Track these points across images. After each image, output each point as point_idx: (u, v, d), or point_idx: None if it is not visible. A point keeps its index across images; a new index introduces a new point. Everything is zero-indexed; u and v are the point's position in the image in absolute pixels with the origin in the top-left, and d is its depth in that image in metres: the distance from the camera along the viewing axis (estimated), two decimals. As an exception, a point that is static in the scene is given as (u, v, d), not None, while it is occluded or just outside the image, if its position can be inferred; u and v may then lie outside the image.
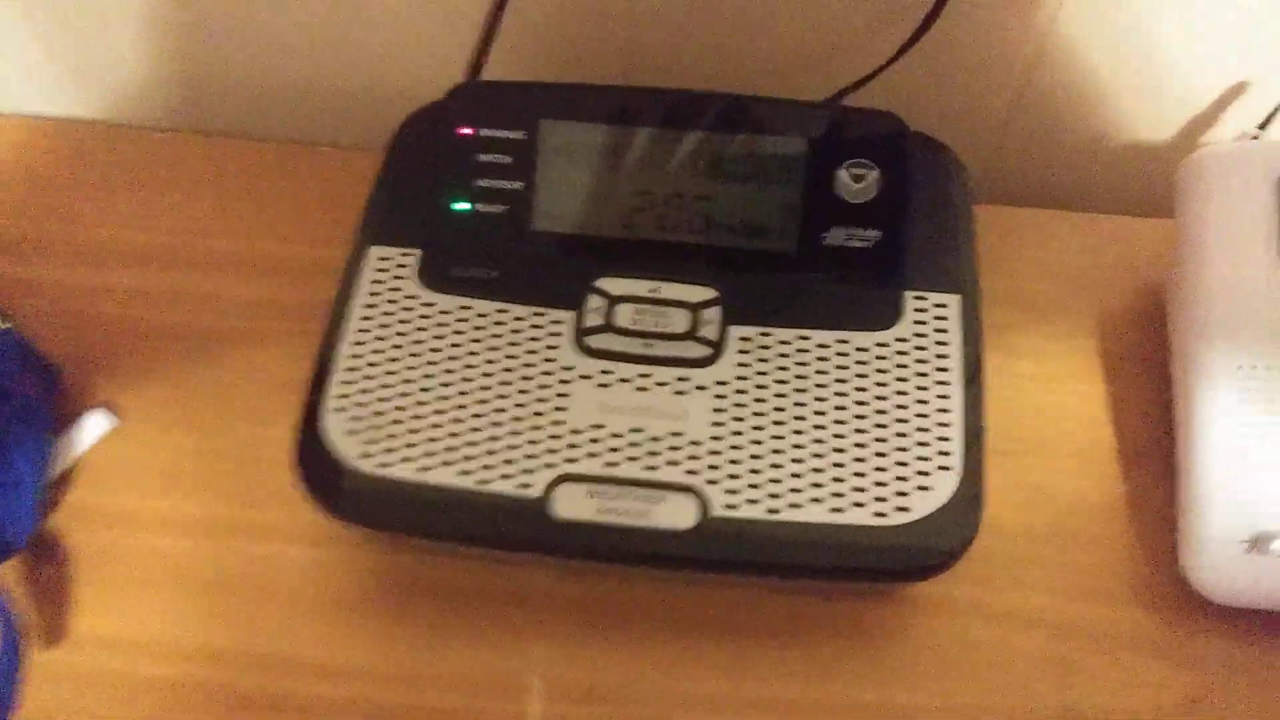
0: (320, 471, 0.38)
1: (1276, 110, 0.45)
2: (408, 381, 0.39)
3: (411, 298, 0.41)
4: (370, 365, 0.39)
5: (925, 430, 0.37)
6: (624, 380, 0.39)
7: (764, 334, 0.39)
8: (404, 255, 0.42)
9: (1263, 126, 0.46)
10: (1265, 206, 0.39)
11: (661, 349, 0.39)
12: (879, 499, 0.36)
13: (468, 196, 0.42)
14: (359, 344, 0.40)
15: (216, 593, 0.40)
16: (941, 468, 0.37)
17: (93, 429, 0.43)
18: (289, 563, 0.41)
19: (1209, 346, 0.39)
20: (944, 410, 0.38)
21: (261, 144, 0.53)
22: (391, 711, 0.38)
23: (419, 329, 0.40)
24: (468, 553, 0.40)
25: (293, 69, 0.54)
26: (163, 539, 0.41)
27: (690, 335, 0.39)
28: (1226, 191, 0.40)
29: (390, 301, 0.41)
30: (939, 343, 0.39)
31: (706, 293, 0.40)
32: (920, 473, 0.37)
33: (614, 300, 0.40)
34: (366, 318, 0.40)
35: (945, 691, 0.38)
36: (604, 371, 0.39)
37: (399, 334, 0.40)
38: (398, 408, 0.38)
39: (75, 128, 0.55)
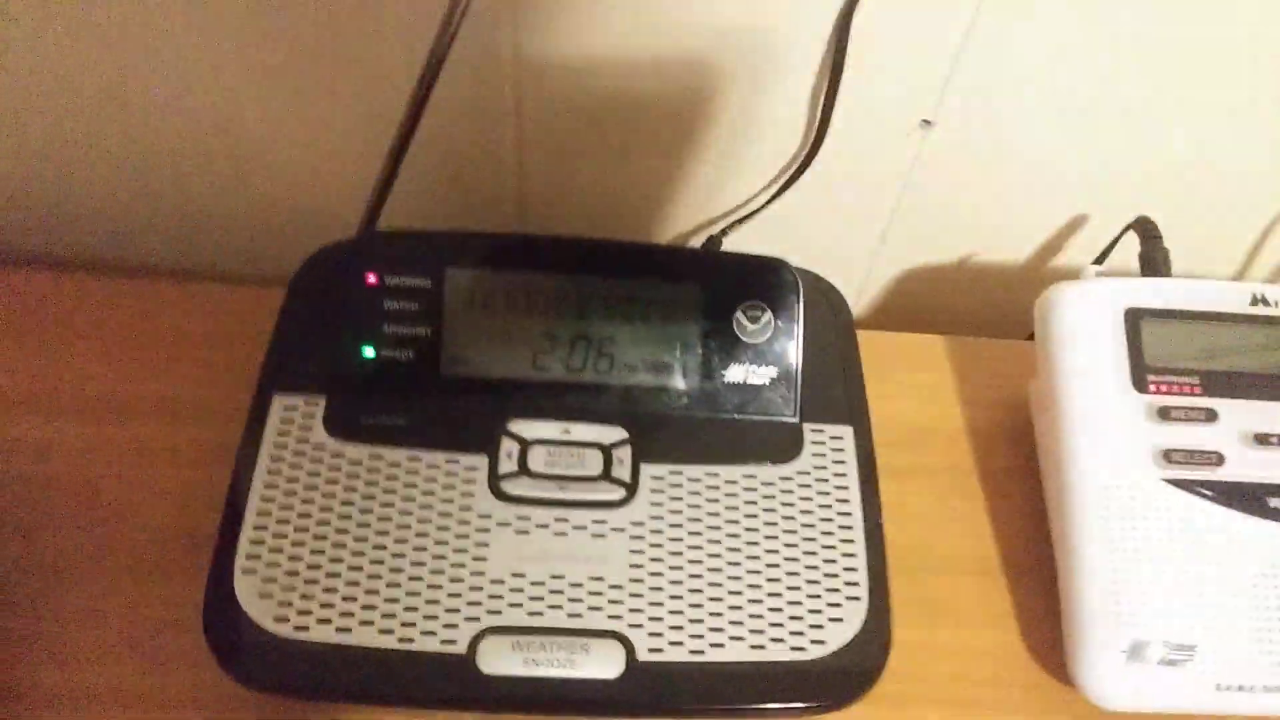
0: (232, 636, 0.36)
1: (1112, 245, 0.50)
2: (320, 537, 0.38)
3: (319, 447, 0.40)
4: (280, 522, 0.38)
5: (833, 562, 0.39)
6: (541, 526, 0.39)
7: (675, 472, 0.41)
8: (309, 403, 0.41)
9: (1099, 260, 0.51)
10: (1115, 337, 0.43)
11: (577, 492, 0.40)
12: (795, 633, 0.38)
13: (374, 343, 0.42)
14: (267, 500, 0.39)
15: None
16: (850, 598, 0.39)
17: (-35, 599, 0.40)
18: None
19: (1075, 470, 0.42)
20: (848, 541, 0.40)
21: (140, 283, 0.51)
22: None
23: (329, 480, 0.40)
24: (384, 712, 0.40)
25: (180, 204, 0.53)
26: (50, 715, 0.39)
27: (605, 476, 0.40)
28: (1079, 325, 0.44)
29: (298, 453, 0.40)
30: (838, 474, 0.42)
31: (617, 432, 0.41)
32: (831, 604, 0.38)
33: (527, 444, 0.41)
34: (274, 470, 0.40)
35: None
36: (520, 518, 0.39)
37: (308, 486, 0.39)
38: (310, 565, 0.38)
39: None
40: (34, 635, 0.40)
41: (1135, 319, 0.43)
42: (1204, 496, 0.41)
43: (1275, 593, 0.40)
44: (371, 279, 0.42)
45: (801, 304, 0.43)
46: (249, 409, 0.41)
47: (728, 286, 0.43)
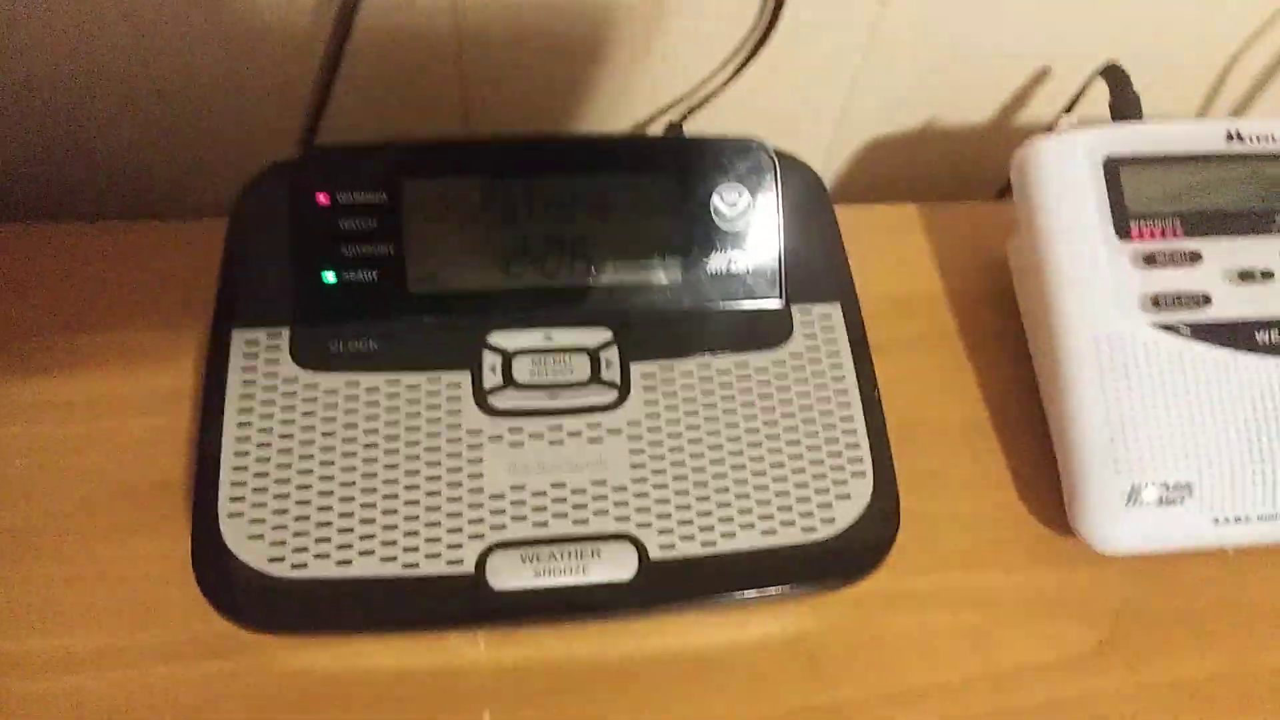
0: (227, 583, 0.35)
1: (1080, 93, 0.49)
2: (304, 473, 0.37)
3: (291, 380, 0.38)
4: (260, 461, 0.37)
5: (835, 441, 0.39)
6: (535, 436, 0.38)
7: (665, 367, 0.40)
8: (272, 336, 0.39)
9: (1069, 108, 0.50)
10: (1095, 187, 0.42)
11: (567, 398, 0.39)
12: (805, 514, 0.37)
13: (334, 266, 0.39)
14: (242, 439, 0.37)
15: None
16: (856, 474, 0.38)
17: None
18: (190, 680, 0.38)
19: (1063, 322, 0.42)
20: (847, 418, 0.39)
21: (79, 226, 0.48)
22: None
23: (305, 413, 0.38)
24: (390, 638, 0.39)
25: (108, 139, 0.49)
26: (49, 682, 0.37)
27: (594, 380, 0.39)
28: (1059, 178, 0.43)
29: (268, 388, 0.38)
30: (830, 353, 0.41)
31: (601, 333, 0.40)
32: (837, 482, 0.38)
33: (510, 355, 0.39)
34: (245, 409, 0.38)
35: (884, 680, 0.40)
36: (513, 430, 0.38)
37: (284, 421, 0.37)
38: (299, 502, 0.36)
39: None
40: (16, 608, 0.38)
41: (1114, 167, 0.42)
42: (1193, 338, 0.41)
43: (1267, 424, 0.40)
44: (323, 198, 0.39)
45: (779, 184, 0.41)
46: (208, 347, 0.39)
47: (701, 172, 0.41)
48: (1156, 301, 0.41)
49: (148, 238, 0.48)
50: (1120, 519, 0.40)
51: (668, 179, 0.40)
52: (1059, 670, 0.41)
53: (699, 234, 0.41)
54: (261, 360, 0.38)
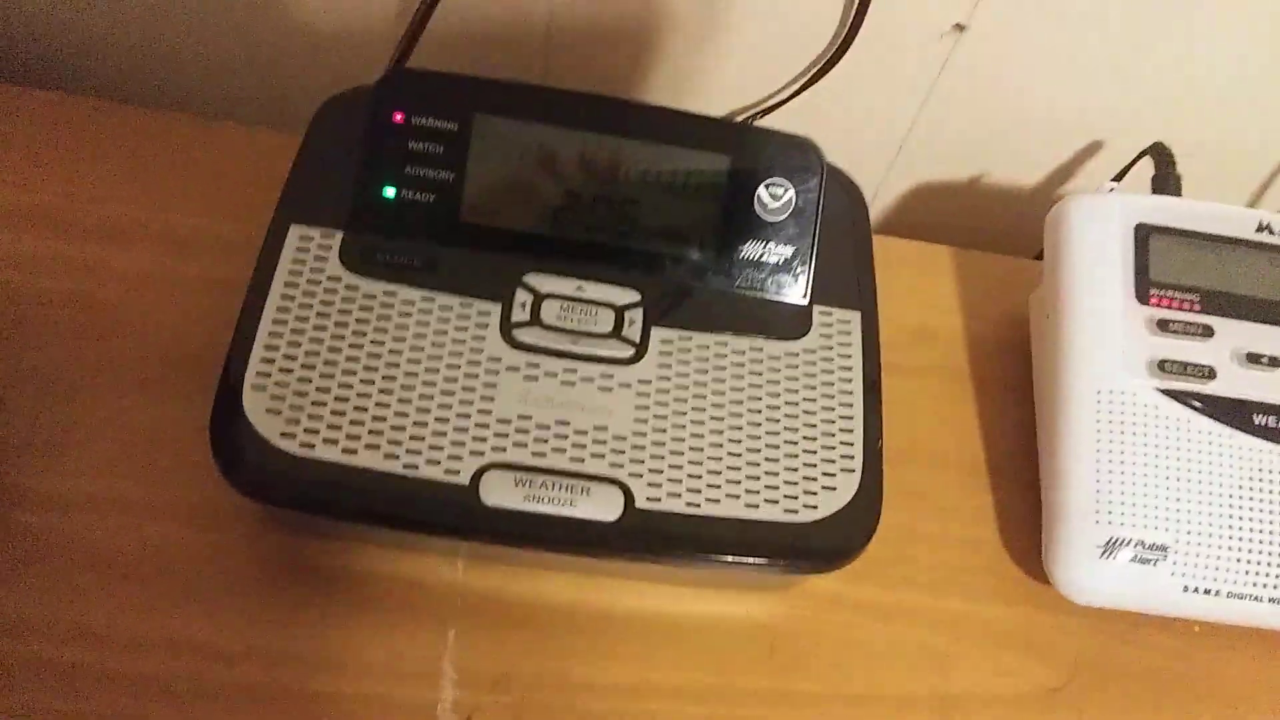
0: (239, 450, 0.36)
1: (1128, 167, 0.51)
2: (330, 363, 0.38)
3: (334, 279, 0.40)
4: (291, 344, 0.38)
5: (831, 435, 0.40)
6: (550, 374, 0.40)
7: (684, 337, 0.41)
8: (325, 236, 0.41)
9: (1118, 179, 0.52)
10: (1123, 250, 0.44)
11: (587, 346, 0.40)
12: (789, 497, 0.39)
13: (396, 182, 0.41)
14: (279, 322, 0.39)
15: (104, 572, 0.38)
16: (845, 470, 0.40)
17: (-35, 397, 0.40)
18: (183, 543, 0.39)
19: (1072, 372, 0.43)
20: (847, 418, 0.41)
21: (161, 113, 0.51)
22: (298, 695, 0.37)
23: (342, 310, 0.40)
24: (375, 539, 0.40)
25: (206, 39, 0.52)
26: (44, 516, 0.39)
27: (615, 335, 0.41)
28: (1090, 235, 0.44)
29: (312, 282, 0.40)
30: (843, 355, 0.42)
31: (630, 294, 0.42)
32: (827, 474, 0.39)
33: (541, 297, 0.41)
34: (288, 296, 0.39)
35: (837, 680, 0.41)
36: (530, 364, 0.40)
37: (321, 314, 0.39)
38: (319, 388, 0.38)
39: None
40: (28, 442, 0.40)
41: (1144, 234, 0.44)
42: (1193, 408, 0.42)
43: (1251, 504, 0.41)
44: (398, 117, 0.41)
45: (824, 187, 0.43)
46: (265, 236, 0.41)
47: (754, 160, 0.43)
48: (1163, 366, 0.42)
49: (227, 137, 0.50)
50: (1094, 570, 0.41)
51: (721, 160, 0.42)
52: (1009, 706, 0.42)
53: (739, 219, 0.42)
54: (311, 255, 0.40)
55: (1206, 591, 0.41)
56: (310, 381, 0.38)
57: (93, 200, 0.47)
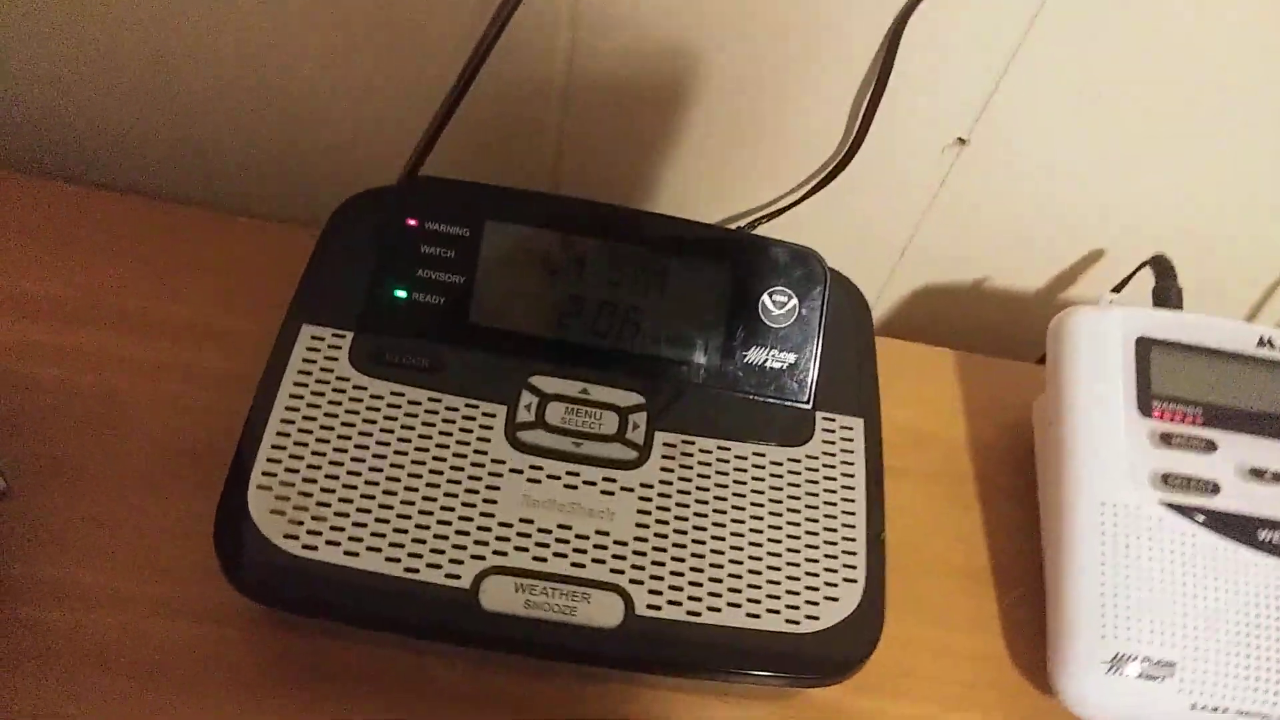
0: (240, 548, 0.37)
1: (1128, 278, 0.52)
2: (335, 463, 0.39)
3: (343, 379, 0.41)
4: (298, 444, 0.39)
5: (833, 544, 0.40)
6: (553, 477, 0.40)
7: (687, 441, 0.42)
8: (336, 336, 0.42)
9: (1118, 289, 0.52)
10: (1125, 363, 0.44)
11: (590, 449, 0.41)
12: (791, 607, 0.38)
13: (407, 285, 0.42)
14: (287, 421, 0.39)
15: (107, 669, 0.38)
16: (848, 580, 0.40)
17: (-24, 490, 0.41)
18: (185, 639, 0.39)
19: (1073, 484, 0.43)
20: (849, 526, 0.41)
21: (178, 208, 0.52)
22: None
23: (350, 411, 0.40)
24: (377, 639, 0.40)
25: (230, 137, 0.53)
26: (51, 611, 0.39)
27: (618, 438, 0.41)
28: (1092, 348, 0.45)
29: (321, 381, 0.41)
30: (845, 462, 0.42)
31: (634, 398, 0.42)
32: (829, 584, 0.39)
33: (546, 398, 0.42)
34: (296, 395, 0.40)
35: (838, 795, 0.40)
36: (534, 467, 0.40)
37: (329, 414, 0.40)
38: (324, 489, 0.38)
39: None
40: (37, 533, 0.41)
41: (1146, 347, 0.44)
42: (1197, 522, 0.42)
43: (1257, 620, 0.41)
44: (412, 221, 0.43)
45: (827, 295, 0.44)
46: (277, 335, 0.42)
47: (757, 269, 0.44)
48: (1167, 480, 0.42)
49: (243, 231, 0.52)
50: (1099, 685, 0.41)
51: (725, 269, 0.43)
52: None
53: (744, 326, 0.43)
54: (322, 355, 0.41)
55: (1214, 710, 0.40)
56: (315, 482, 0.38)
57: (107, 292, 0.48)
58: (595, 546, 0.38)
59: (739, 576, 0.39)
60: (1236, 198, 0.53)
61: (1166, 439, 0.43)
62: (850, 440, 0.43)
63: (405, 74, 0.49)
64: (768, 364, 0.43)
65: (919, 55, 0.46)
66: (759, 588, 0.39)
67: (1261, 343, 0.45)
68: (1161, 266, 0.49)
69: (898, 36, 0.46)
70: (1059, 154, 0.51)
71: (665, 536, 0.39)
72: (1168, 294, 0.48)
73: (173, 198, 0.53)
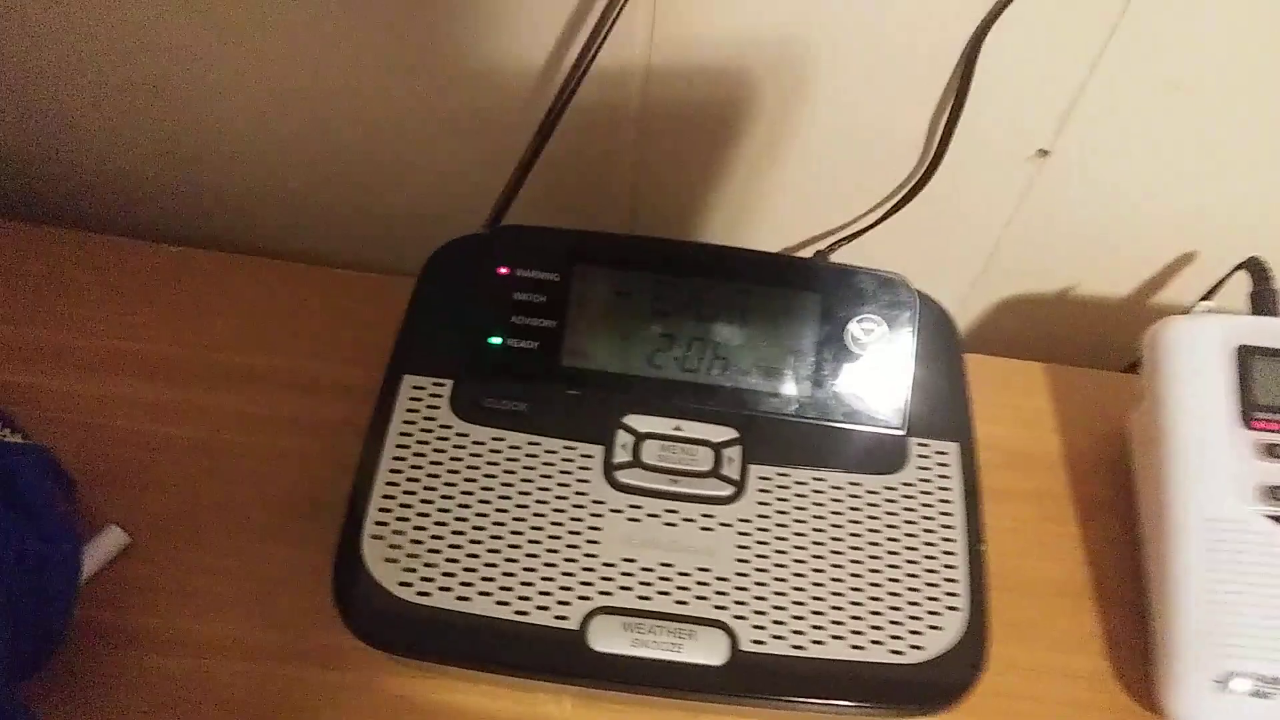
0: (360, 598, 0.38)
1: (1221, 283, 0.51)
2: (444, 510, 0.40)
3: (446, 427, 0.42)
4: (407, 494, 0.41)
5: (934, 572, 0.40)
6: (652, 515, 0.41)
7: (782, 474, 0.42)
8: (436, 384, 0.43)
9: (1207, 296, 0.51)
10: (1226, 373, 0.44)
11: (687, 486, 0.42)
12: (895, 637, 0.39)
13: (502, 332, 0.44)
14: (395, 471, 0.41)
15: (233, 713, 0.40)
16: (950, 608, 0.40)
17: (107, 545, 0.43)
18: (305, 684, 0.41)
19: (1177, 500, 0.43)
20: (950, 553, 0.41)
21: (275, 263, 0.54)
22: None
23: (454, 459, 0.42)
24: (491, 679, 0.41)
25: (315, 189, 0.55)
26: (174, 660, 0.41)
27: (714, 474, 0.42)
28: (1191, 359, 0.44)
29: (425, 430, 0.42)
30: (942, 488, 0.43)
31: (727, 432, 0.43)
32: (931, 612, 0.40)
33: (641, 437, 0.42)
34: (403, 445, 0.42)
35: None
36: (633, 506, 0.41)
37: (434, 463, 0.41)
38: (434, 536, 0.40)
39: (87, 238, 0.54)
40: (159, 585, 0.43)
41: (1247, 356, 0.44)
42: (1307, 537, 0.41)
43: (1373, 636, 0.40)
44: (503, 270, 0.44)
45: (916, 321, 0.44)
46: (381, 387, 0.43)
47: (844, 298, 0.44)
48: (1274, 493, 0.42)
49: (338, 283, 0.54)
50: (1208, 704, 0.40)
51: (812, 300, 0.44)
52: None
53: (832, 356, 0.44)
54: (424, 406, 0.43)
55: (1332, 728, 0.40)
56: (425, 530, 0.40)
57: (211, 348, 0.50)
58: (698, 583, 0.39)
59: (841, 608, 0.39)
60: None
61: (1271, 450, 0.42)
62: (946, 465, 0.43)
63: (484, 120, 0.51)
64: (858, 392, 0.44)
65: (999, 67, 0.46)
66: (861, 619, 0.39)
67: (1367, 347, 0.44)
68: (1257, 269, 0.48)
69: (977, 49, 0.45)
70: (1143, 160, 0.50)
71: (765, 570, 0.40)
72: (1265, 298, 0.47)
73: (263, 252, 0.55)
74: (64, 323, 0.50)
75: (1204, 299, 0.52)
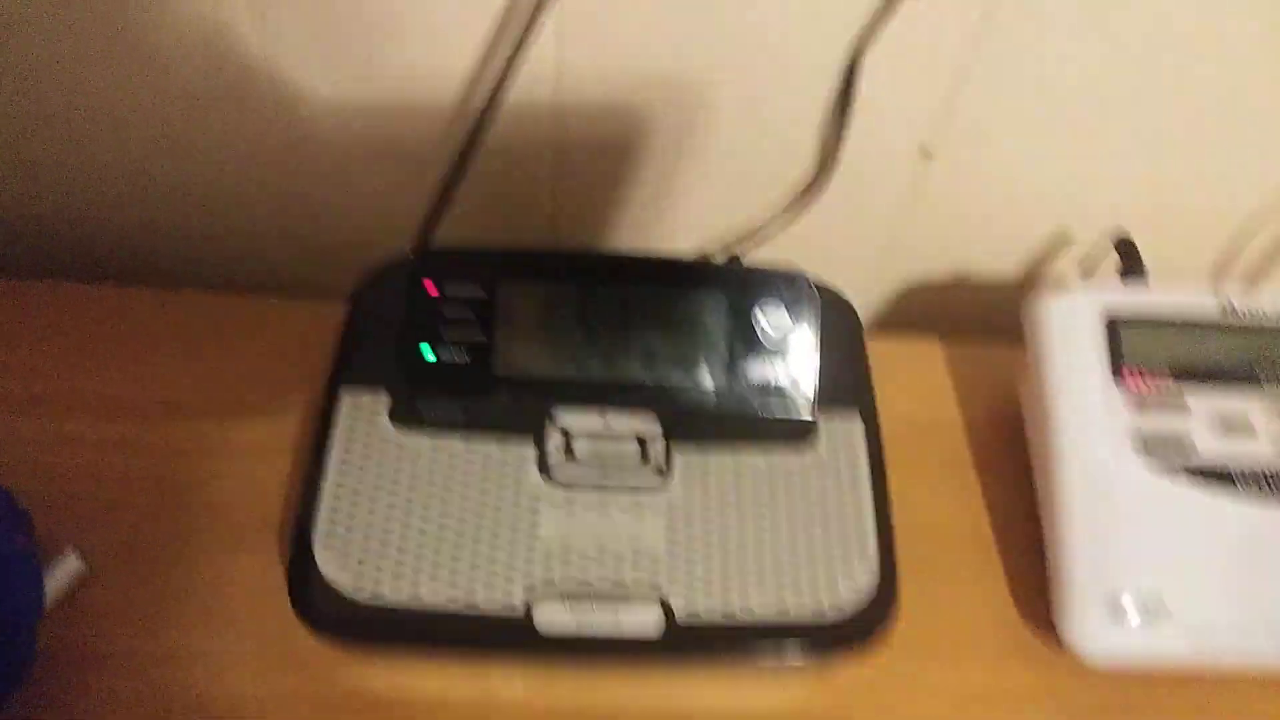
0: (316, 600, 0.41)
1: (1096, 258, 0.56)
2: (389, 515, 0.43)
3: (385, 437, 0.45)
4: (353, 503, 0.43)
5: (846, 535, 0.44)
6: (587, 505, 0.44)
7: (704, 458, 0.46)
8: (374, 399, 0.46)
9: (1088, 275, 0.56)
10: (1097, 340, 0.48)
11: (617, 476, 0.45)
12: (815, 595, 0.43)
13: (434, 348, 0.46)
14: (340, 484, 0.44)
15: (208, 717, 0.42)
16: (864, 564, 0.44)
17: (65, 573, 0.45)
18: (266, 688, 0.43)
19: (1061, 454, 0.47)
20: (860, 518, 0.45)
21: (215, 296, 0.56)
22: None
23: (395, 467, 0.44)
24: (446, 667, 0.44)
25: (243, 220, 0.58)
26: (145, 679, 0.43)
27: (642, 462, 0.45)
28: (1066, 329, 0.49)
29: (366, 443, 0.45)
30: (850, 461, 0.47)
31: (652, 425, 0.46)
32: (846, 571, 0.43)
33: (571, 434, 0.46)
34: (345, 459, 0.44)
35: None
36: (567, 498, 0.44)
37: (377, 473, 0.44)
38: (382, 541, 0.42)
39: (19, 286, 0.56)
40: (126, 608, 0.45)
41: (1115, 323, 0.48)
42: (1177, 478, 0.46)
43: (1240, 561, 0.45)
44: (432, 289, 0.47)
45: (818, 312, 0.48)
46: (321, 402, 0.46)
47: (751, 295, 0.47)
48: (1145, 442, 0.46)
49: (270, 312, 0.56)
50: (1102, 633, 0.44)
51: (721, 299, 0.47)
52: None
53: (744, 349, 0.47)
54: (363, 417, 0.46)
55: (1210, 651, 0.44)
56: (373, 532, 0.42)
57: (150, 383, 0.52)
58: (632, 564, 0.43)
59: (763, 575, 0.43)
60: (1190, 170, 0.56)
61: (1141, 404, 0.47)
62: (852, 441, 0.47)
63: (406, 150, 0.54)
64: (770, 380, 0.47)
65: (878, 80, 0.50)
66: (784, 584, 0.43)
67: (1224, 309, 0.49)
68: (1126, 247, 0.53)
69: (856, 66, 0.50)
70: (1015, 152, 0.54)
71: (694, 547, 0.43)
72: (1133, 271, 0.52)
73: (191, 285, 0.57)
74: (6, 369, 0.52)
75: (1081, 274, 0.56)
